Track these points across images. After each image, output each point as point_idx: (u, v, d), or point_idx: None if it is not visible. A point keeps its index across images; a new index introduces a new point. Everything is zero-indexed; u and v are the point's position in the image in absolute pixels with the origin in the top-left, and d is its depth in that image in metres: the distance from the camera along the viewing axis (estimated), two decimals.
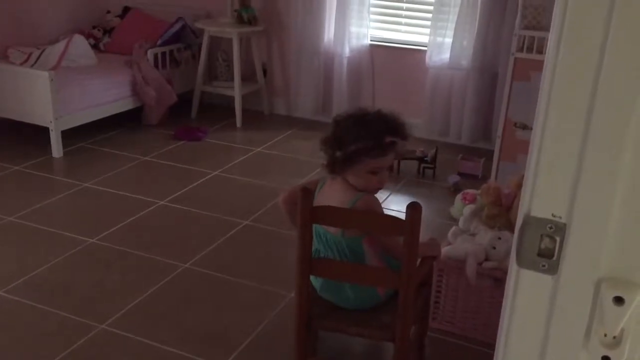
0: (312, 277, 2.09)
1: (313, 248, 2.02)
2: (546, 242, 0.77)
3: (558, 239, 0.76)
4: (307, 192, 1.87)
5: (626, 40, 0.69)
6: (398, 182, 3.95)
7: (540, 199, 0.77)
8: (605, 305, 0.75)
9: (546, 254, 0.77)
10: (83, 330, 2.48)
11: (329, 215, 1.93)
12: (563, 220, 0.76)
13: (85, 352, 2.37)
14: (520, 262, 0.79)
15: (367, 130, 1.96)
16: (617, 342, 0.77)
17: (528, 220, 0.78)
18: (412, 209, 1.79)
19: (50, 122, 4.06)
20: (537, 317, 0.80)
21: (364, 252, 2.03)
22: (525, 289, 0.80)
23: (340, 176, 2.03)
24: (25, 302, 2.65)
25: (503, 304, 0.85)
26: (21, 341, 2.42)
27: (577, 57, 0.72)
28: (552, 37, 0.74)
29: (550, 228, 0.76)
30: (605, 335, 0.77)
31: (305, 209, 1.87)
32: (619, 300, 0.74)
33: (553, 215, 0.76)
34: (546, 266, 0.78)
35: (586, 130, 0.73)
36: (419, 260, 2.01)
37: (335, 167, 2.00)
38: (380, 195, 3.71)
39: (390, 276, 1.92)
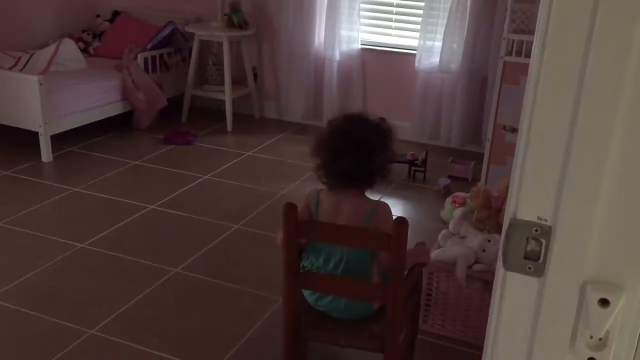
0: (306, 292, 2.08)
1: (312, 266, 2.02)
2: (532, 245, 0.78)
3: (544, 241, 0.77)
4: (291, 206, 1.83)
5: (610, 43, 0.69)
6: (388, 185, 3.96)
7: (525, 201, 0.77)
8: (591, 307, 0.76)
9: (532, 256, 0.78)
10: (73, 336, 2.46)
11: (314, 230, 1.91)
12: (549, 223, 0.76)
13: (75, 357, 2.36)
14: (507, 265, 0.80)
15: (387, 138, 1.98)
16: (602, 344, 0.77)
17: (514, 222, 0.78)
18: (399, 225, 1.76)
19: (40, 126, 4.04)
20: (524, 320, 0.81)
21: (372, 267, 2.00)
22: (511, 292, 0.81)
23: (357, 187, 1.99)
24: (14, 307, 2.63)
25: (490, 306, 0.85)
26: (10, 347, 2.41)
27: (561, 61, 0.72)
28: (536, 41, 0.75)
29: (536, 231, 0.77)
30: (591, 337, 0.77)
31: (290, 224, 1.83)
32: (604, 303, 0.75)
33: (539, 218, 0.77)
34: (532, 269, 0.78)
35: (571, 134, 0.73)
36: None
37: (372, 179, 1.97)
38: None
39: (377, 290, 1.91)
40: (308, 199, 2.03)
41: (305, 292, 2.09)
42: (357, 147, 1.92)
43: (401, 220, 1.77)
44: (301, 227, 1.85)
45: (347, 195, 1.99)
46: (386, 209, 2.00)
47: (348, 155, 1.91)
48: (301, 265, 2.03)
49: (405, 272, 1.92)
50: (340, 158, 1.92)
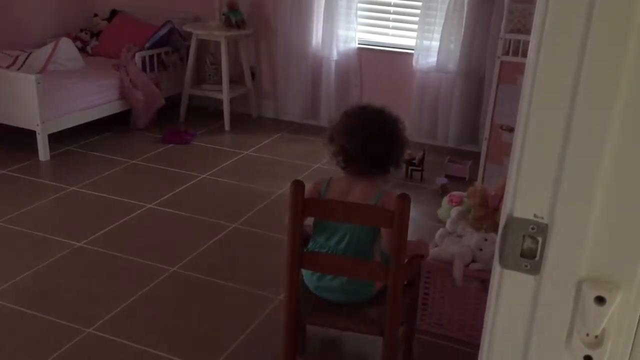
0: (307, 273, 2.10)
1: (314, 244, 2.04)
2: (528, 243, 0.78)
3: (540, 239, 0.77)
4: (298, 184, 1.87)
5: (605, 43, 0.70)
6: (386, 184, 3.96)
7: (522, 199, 0.77)
8: (587, 305, 0.76)
9: (528, 254, 0.78)
10: (70, 335, 2.46)
11: (319, 207, 1.95)
12: (545, 221, 0.77)
13: (72, 356, 2.36)
14: (503, 263, 0.80)
15: (402, 130, 2.10)
16: (599, 341, 0.77)
17: (510, 220, 0.78)
18: (401, 199, 1.80)
19: (37, 125, 4.04)
20: (520, 317, 0.81)
21: (374, 246, 2.05)
22: (508, 290, 0.81)
23: (369, 174, 2.07)
24: (11, 306, 2.63)
25: (487, 304, 0.85)
26: (7, 346, 2.41)
27: (557, 60, 0.73)
28: (532, 40, 0.75)
29: (533, 229, 0.77)
30: (587, 335, 0.78)
31: (296, 202, 1.86)
32: (600, 300, 0.75)
33: (535, 216, 0.77)
34: (529, 266, 0.79)
35: (567, 132, 0.74)
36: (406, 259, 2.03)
37: (388, 167, 2.08)
38: None
39: (379, 269, 1.93)
40: (318, 183, 2.09)
41: (307, 274, 2.11)
42: (383, 133, 2.03)
43: (404, 196, 1.80)
44: (307, 204, 1.88)
45: (358, 182, 2.07)
46: (393, 195, 2.06)
47: (375, 140, 2.01)
48: (305, 249, 2.07)
49: (406, 260, 1.94)
50: (368, 143, 2.01)
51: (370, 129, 2.03)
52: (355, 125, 2.04)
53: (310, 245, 2.10)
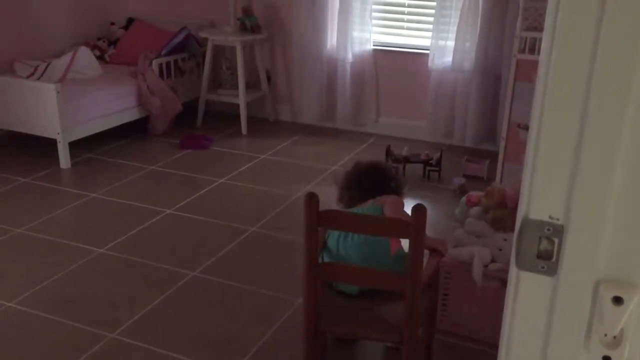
0: (333, 238, 2.17)
1: (332, 256, 2.08)
2: (545, 244, 0.78)
3: (556, 240, 0.77)
4: (312, 196, 1.88)
5: (618, 39, 0.70)
6: (403, 185, 3.95)
7: (537, 201, 0.78)
8: (605, 305, 0.76)
9: (545, 255, 0.78)
10: (93, 340, 2.49)
11: (334, 219, 1.95)
12: (560, 222, 0.77)
13: None
14: (520, 265, 0.80)
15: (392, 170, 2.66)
16: (617, 342, 0.77)
17: (526, 222, 0.78)
18: (417, 211, 1.80)
19: (58, 133, 4.09)
20: (538, 319, 0.81)
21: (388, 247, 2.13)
22: (525, 291, 0.81)
23: None
24: (36, 313, 2.67)
25: (504, 305, 0.86)
26: (31, 352, 2.44)
27: (570, 58, 0.73)
28: (545, 39, 0.75)
29: (548, 230, 0.77)
30: (606, 335, 0.77)
31: (311, 213, 1.88)
32: (618, 301, 0.75)
33: (550, 217, 0.77)
34: (545, 268, 0.79)
35: (581, 132, 0.73)
36: (427, 255, 2.04)
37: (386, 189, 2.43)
38: None
39: (395, 279, 1.93)
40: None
41: (332, 239, 2.16)
42: (374, 169, 2.49)
43: (419, 207, 1.81)
44: (321, 216, 1.89)
45: None
46: (395, 198, 2.30)
47: (368, 176, 2.42)
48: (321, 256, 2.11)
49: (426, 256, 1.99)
50: (363, 179, 2.41)
51: (360, 167, 2.49)
52: (352, 174, 2.48)
53: (325, 259, 2.14)
